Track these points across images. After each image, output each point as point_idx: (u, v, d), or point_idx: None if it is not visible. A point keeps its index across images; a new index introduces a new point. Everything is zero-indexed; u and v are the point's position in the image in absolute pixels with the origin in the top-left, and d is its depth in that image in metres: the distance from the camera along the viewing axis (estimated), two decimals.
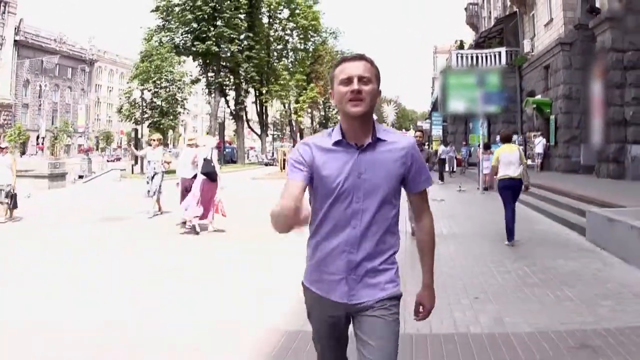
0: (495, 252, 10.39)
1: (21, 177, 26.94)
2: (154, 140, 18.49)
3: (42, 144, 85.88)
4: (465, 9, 63.86)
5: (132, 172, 38.58)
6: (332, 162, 2.88)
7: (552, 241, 11.57)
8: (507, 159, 11.13)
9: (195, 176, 13.88)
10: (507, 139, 11.79)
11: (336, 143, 2.89)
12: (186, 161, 14.85)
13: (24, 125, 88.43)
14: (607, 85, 23.25)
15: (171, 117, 47.81)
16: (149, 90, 44.99)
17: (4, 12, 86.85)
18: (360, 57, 2.93)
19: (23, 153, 75.80)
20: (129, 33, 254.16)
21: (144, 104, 44.92)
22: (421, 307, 3.07)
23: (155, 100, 46.11)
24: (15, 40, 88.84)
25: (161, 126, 46.23)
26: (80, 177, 35.11)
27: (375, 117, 3.40)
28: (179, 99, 47.88)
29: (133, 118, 46.88)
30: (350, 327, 3.07)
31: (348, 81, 2.82)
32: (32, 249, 11.13)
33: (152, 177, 17.10)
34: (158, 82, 45.43)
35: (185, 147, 16.72)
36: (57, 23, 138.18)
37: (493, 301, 7.11)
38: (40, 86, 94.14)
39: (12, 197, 15.17)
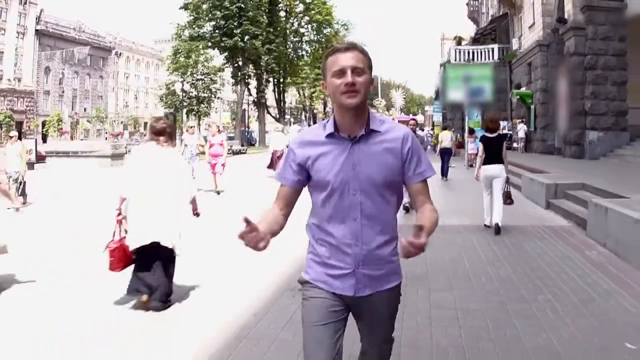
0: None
1: (87, 157, 31.90)
2: (191, 127, 21.50)
3: (63, 129, 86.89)
4: (467, 4, 66.19)
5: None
6: (326, 156, 2.83)
7: None
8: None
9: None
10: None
11: (329, 135, 2.84)
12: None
13: (45, 111, 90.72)
14: (571, 82, 27.10)
15: (206, 104, 54.28)
16: (188, 83, 51.34)
17: (25, 3, 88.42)
18: (353, 47, 2.83)
19: (45, 138, 75.51)
20: (144, 20, 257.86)
21: (183, 94, 51.17)
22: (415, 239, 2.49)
23: (192, 90, 52.34)
24: (36, 30, 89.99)
25: (198, 112, 52.63)
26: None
27: (384, 102, 3.72)
28: (213, 89, 54.30)
29: (174, 105, 53.16)
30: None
31: (341, 73, 2.74)
32: None
33: (189, 160, 17.86)
34: (195, 74, 51.74)
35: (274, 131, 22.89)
36: (74, 11, 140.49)
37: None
38: (62, 73, 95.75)
39: (21, 185, 15.04)
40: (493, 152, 11.25)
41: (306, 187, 2.99)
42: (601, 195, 11.45)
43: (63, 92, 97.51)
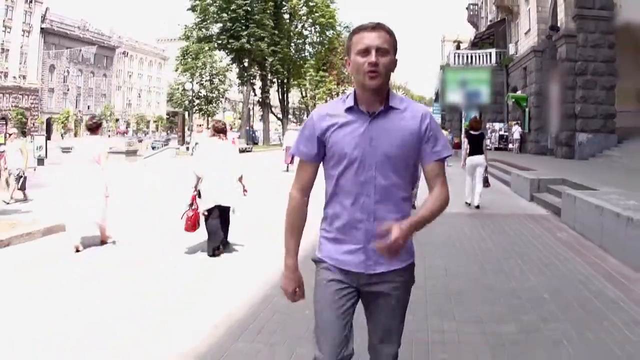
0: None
1: None
2: (199, 125, 22.73)
3: (67, 126, 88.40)
4: (467, 8, 66.71)
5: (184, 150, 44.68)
6: (343, 129, 2.82)
7: (491, 188, 18.36)
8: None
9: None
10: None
11: (348, 110, 2.83)
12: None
13: (49, 108, 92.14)
14: (563, 87, 28.51)
15: (214, 104, 56.37)
16: (198, 83, 53.31)
17: (31, 2, 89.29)
18: (379, 27, 2.80)
19: (48, 135, 76.85)
20: (146, 18, 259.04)
21: (192, 94, 53.11)
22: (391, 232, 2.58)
23: (201, 90, 54.33)
24: (41, 28, 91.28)
25: (207, 112, 54.69)
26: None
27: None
28: (221, 90, 56.39)
29: (183, 105, 55.20)
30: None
31: (365, 52, 2.73)
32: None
33: None
34: (205, 75, 53.75)
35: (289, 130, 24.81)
36: (78, 10, 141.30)
37: None
38: (68, 71, 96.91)
39: (21, 180, 14.73)
40: (476, 145, 14.23)
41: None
42: (577, 188, 13.04)
43: (68, 90, 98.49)
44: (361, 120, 2.81)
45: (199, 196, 8.84)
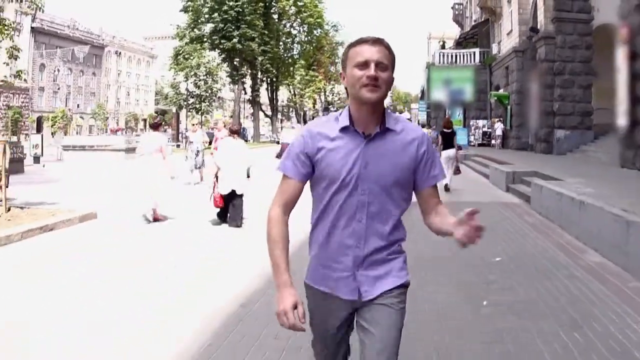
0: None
1: (102, 150, 34.16)
2: (193, 124, 23.50)
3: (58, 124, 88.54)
4: (452, 7, 68.37)
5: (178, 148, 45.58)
6: (338, 150, 2.67)
7: (472, 180, 19.94)
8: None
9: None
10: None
11: (343, 129, 2.69)
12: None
13: (39, 107, 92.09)
14: (542, 86, 29.93)
15: (207, 102, 57.98)
16: (192, 82, 54.95)
17: (21, 1, 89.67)
18: (380, 42, 2.67)
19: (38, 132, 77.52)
20: (133, 16, 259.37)
21: (187, 93, 54.71)
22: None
23: (195, 90, 55.94)
24: (32, 27, 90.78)
25: (200, 110, 56.33)
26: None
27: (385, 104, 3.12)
28: (214, 89, 57.96)
29: (178, 104, 56.81)
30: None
31: (364, 65, 2.59)
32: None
33: (196, 154, 20.05)
34: (199, 75, 55.37)
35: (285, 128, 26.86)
36: (65, 8, 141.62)
37: None
38: (58, 70, 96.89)
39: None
40: (449, 141, 17.30)
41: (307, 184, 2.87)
42: (546, 179, 14.54)
43: (58, 88, 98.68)
44: (356, 142, 2.68)
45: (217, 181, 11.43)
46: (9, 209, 11.28)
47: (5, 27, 13.28)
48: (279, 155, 27.59)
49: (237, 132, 12.16)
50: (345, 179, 2.65)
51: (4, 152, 11.41)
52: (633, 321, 5.63)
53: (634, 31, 18.88)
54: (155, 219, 11.74)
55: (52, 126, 78.73)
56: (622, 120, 19.67)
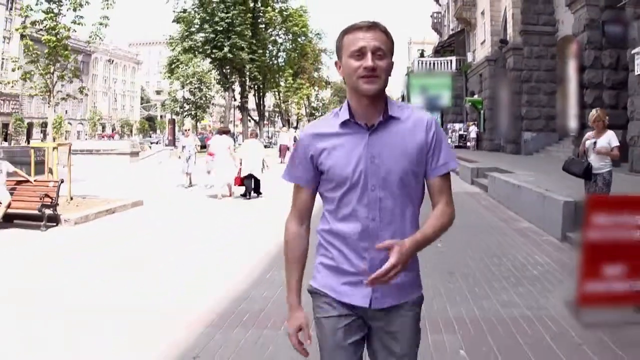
0: None
1: (108, 155, 36.05)
2: (187, 130, 23.66)
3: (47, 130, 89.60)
4: (431, 16, 72.18)
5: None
6: (341, 148, 2.48)
7: None
8: None
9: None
10: None
11: (344, 124, 2.48)
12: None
13: (29, 113, 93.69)
14: (511, 92, 32.63)
15: (202, 109, 61.64)
16: (188, 90, 58.40)
17: (11, 8, 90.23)
18: (375, 26, 2.43)
19: (28, 140, 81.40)
20: (118, 22, 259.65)
21: (183, 100, 58.20)
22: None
23: (191, 97, 59.45)
24: (22, 35, 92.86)
25: (196, 117, 59.78)
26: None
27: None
28: (209, 96, 61.62)
29: (175, 110, 60.47)
30: None
31: (360, 54, 2.38)
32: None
33: (188, 159, 20.21)
34: (194, 83, 58.76)
35: (281, 132, 33.24)
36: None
37: None
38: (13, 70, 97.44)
39: None
40: None
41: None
42: (501, 172, 17.59)
43: (12, 86, 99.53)
44: (359, 135, 2.46)
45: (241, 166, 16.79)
46: (71, 198, 14.14)
47: (68, 52, 15.62)
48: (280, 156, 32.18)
49: (255, 134, 19.60)
50: (353, 178, 2.45)
51: (70, 152, 14.34)
52: (534, 254, 8.89)
53: (582, 47, 21.98)
54: (231, 194, 17.20)
55: (55, 132, 79.99)
56: (573, 123, 22.72)
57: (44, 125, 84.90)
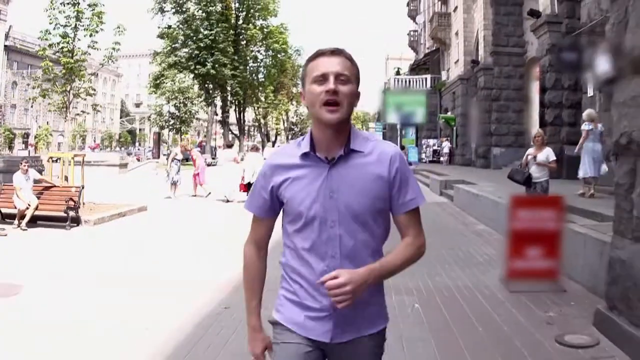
0: None
1: (98, 166, 36.36)
2: (183, 145, 24.80)
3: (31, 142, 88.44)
4: (408, 34, 74.33)
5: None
6: (299, 181, 2.43)
7: None
8: None
9: None
10: None
11: (303, 156, 2.43)
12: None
13: (12, 124, 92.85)
14: (481, 110, 34.10)
15: (187, 124, 63.72)
16: (173, 105, 60.63)
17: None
18: (339, 52, 2.42)
19: (10, 149, 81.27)
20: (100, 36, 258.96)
21: (169, 114, 60.27)
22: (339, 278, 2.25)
23: (176, 112, 61.57)
24: (5, 46, 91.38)
25: (180, 130, 61.77)
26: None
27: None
28: (193, 112, 63.84)
29: (160, 124, 62.55)
30: None
31: (323, 79, 2.34)
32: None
33: (177, 171, 21.11)
34: (179, 98, 60.84)
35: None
36: (39, 27, 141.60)
37: None
38: (33, 88, 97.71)
39: None
40: None
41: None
42: (466, 184, 19.56)
43: (31, 105, 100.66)
44: (318, 169, 2.41)
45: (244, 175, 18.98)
46: (83, 204, 15.88)
47: (84, 73, 17.38)
48: None
49: (257, 148, 22.35)
50: (309, 213, 2.41)
51: (83, 162, 16.17)
52: (483, 247, 10.98)
53: (544, 69, 23.97)
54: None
55: (37, 143, 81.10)
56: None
57: (26, 135, 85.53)
